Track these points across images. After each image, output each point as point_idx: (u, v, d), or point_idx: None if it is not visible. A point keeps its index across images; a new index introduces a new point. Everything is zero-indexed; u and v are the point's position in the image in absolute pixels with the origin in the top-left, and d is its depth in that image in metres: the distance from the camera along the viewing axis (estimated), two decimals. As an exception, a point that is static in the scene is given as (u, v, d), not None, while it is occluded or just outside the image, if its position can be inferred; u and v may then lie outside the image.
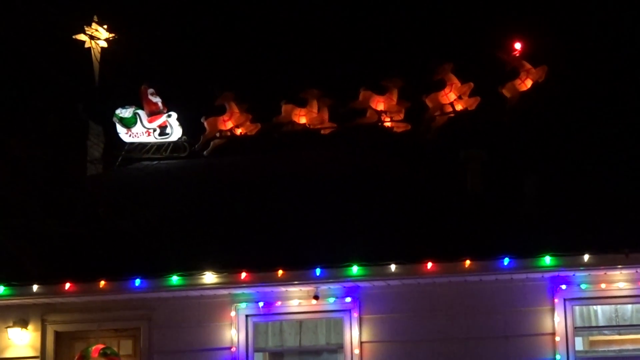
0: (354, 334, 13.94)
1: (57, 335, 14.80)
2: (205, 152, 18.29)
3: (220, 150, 18.31)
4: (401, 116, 17.62)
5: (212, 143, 18.27)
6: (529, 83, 17.33)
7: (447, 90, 17.29)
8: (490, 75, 17.57)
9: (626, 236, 13.20)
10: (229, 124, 18.19)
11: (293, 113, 17.96)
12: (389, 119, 17.67)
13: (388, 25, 24.78)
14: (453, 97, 17.25)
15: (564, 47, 18.21)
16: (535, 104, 17.08)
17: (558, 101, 17.37)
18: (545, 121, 16.96)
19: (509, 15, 20.08)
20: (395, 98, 17.60)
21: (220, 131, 18.29)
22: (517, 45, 17.30)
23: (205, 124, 18.36)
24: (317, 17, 24.80)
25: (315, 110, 17.94)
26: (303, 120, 17.99)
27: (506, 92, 17.31)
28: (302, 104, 18.09)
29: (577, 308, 13.75)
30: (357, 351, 13.91)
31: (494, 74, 17.53)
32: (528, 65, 17.27)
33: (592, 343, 14.66)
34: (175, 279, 13.91)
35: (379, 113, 17.68)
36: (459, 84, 17.25)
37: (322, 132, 18.01)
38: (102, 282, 14.06)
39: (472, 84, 17.26)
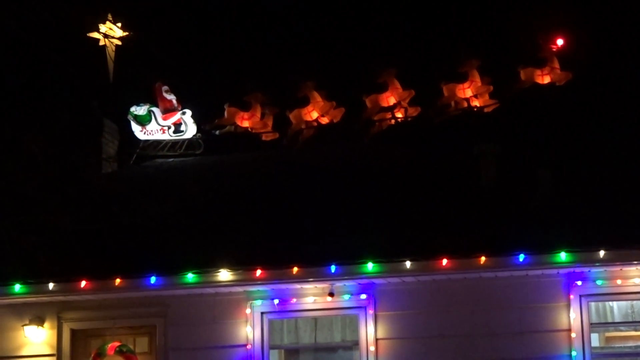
0: (369, 331, 13.94)
1: (73, 332, 14.84)
2: (217, 132, 18.26)
3: (235, 145, 18.30)
4: (406, 103, 17.58)
5: (227, 127, 18.25)
6: (546, 79, 17.22)
7: (466, 85, 17.22)
8: (511, 57, 17.41)
9: (642, 232, 13.17)
10: (246, 123, 18.16)
11: (302, 114, 17.90)
12: (401, 114, 17.61)
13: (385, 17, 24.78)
14: (470, 94, 17.19)
15: (595, 49, 18.07)
16: (541, 100, 17.01)
17: (574, 96, 17.32)
18: (559, 116, 16.92)
19: (564, 12, 19.88)
20: (399, 86, 17.54)
21: (235, 124, 18.27)
22: (559, 41, 17.15)
23: (226, 111, 18.35)
24: (324, 16, 24.82)
25: (319, 100, 17.87)
26: (315, 115, 17.94)
27: (522, 74, 17.19)
28: (306, 102, 18.02)
29: (592, 304, 13.72)
30: (372, 348, 13.90)
31: (518, 53, 17.37)
32: (556, 64, 17.13)
33: (608, 339, 14.63)
34: (190, 276, 13.93)
35: (391, 109, 17.63)
36: (479, 83, 17.18)
37: (334, 120, 17.94)
38: (118, 280, 14.10)
39: (491, 87, 17.20)
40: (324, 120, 17.97)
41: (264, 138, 18.19)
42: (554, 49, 17.12)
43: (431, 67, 17.89)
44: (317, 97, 17.82)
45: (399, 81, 17.57)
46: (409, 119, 17.59)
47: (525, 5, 21.63)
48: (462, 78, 17.33)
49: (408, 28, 23.87)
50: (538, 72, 17.16)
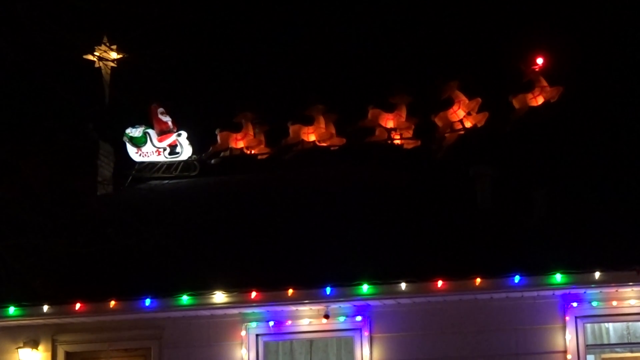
0: (364, 353, 13.90)
1: (68, 355, 14.79)
2: (212, 161, 18.29)
3: (230, 167, 18.31)
4: (411, 133, 17.60)
5: (222, 154, 18.28)
6: (540, 100, 17.26)
7: (455, 107, 17.25)
8: (501, 86, 17.49)
9: (637, 253, 13.15)
10: (240, 144, 18.19)
11: (301, 132, 17.93)
12: (398, 136, 17.64)
13: (394, 41, 24.81)
14: (462, 114, 17.21)
15: (582, 65, 18.11)
16: (541, 122, 17.03)
17: (568, 117, 17.33)
18: (554, 137, 16.93)
19: (536, 30, 19.98)
20: (404, 115, 17.57)
21: (230, 148, 18.29)
22: (539, 60, 17.20)
23: (219, 137, 18.37)
24: (323, 36, 24.86)
25: (323, 126, 17.91)
26: (312, 138, 17.98)
27: (515, 103, 17.23)
28: (309, 122, 18.07)
29: (588, 326, 13.70)
30: (368, 370, 13.87)
31: (506, 84, 17.45)
32: (544, 82, 17.18)
33: (604, 361, 14.61)
34: (185, 299, 13.91)
35: (389, 131, 17.65)
36: (467, 101, 17.20)
37: (332, 148, 17.99)
38: (113, 302, 14.07)
39: (480, 99, 17.21)
40: (322, 144, 18.01)
41: (259, 158, 18.23)
42: (537, 69, 17.21)
43: (420, 100, 17.90)
44: (322, 123, 17.86)
45: (407, 111, 17.60)
46: (403, 146, 17.63)
47: (496, 37, 21.73)
48: (449, 103, 17.36)
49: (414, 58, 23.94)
50: (530, 95, 17.22)
